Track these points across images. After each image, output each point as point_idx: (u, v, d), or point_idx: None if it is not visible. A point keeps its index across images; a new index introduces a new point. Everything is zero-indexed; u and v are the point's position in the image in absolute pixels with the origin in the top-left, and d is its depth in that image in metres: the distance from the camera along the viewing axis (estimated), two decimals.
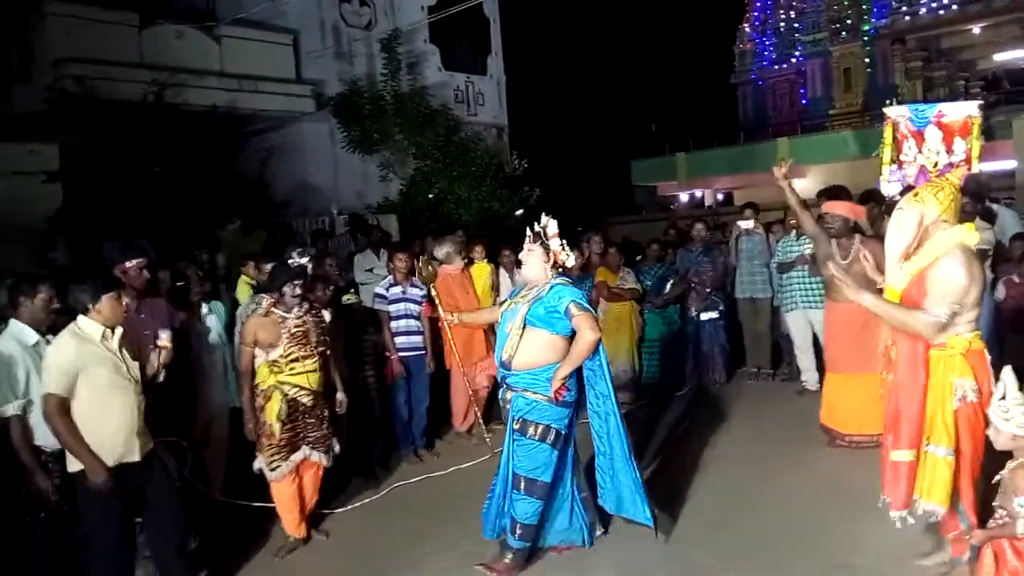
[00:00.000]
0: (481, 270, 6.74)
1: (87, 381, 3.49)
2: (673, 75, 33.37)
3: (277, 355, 4.40)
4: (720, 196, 28.40)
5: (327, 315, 4.76)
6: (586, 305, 3.94)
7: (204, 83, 12.00)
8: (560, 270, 4.05)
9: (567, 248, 4.06)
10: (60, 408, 3.44)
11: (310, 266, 4.95)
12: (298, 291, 4.45)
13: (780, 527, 4.36)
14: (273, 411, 4.39)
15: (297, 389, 4.44)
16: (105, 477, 3.47)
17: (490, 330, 6.55)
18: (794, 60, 29.98)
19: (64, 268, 7.08)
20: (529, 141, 17.64)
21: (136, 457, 3.62)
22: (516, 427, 3.94)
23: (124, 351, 3.67)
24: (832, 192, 5.52)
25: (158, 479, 3.76)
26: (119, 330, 3.67)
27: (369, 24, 14.94)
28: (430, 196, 12.30)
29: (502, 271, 6.91)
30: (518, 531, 3.94)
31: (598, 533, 4.26)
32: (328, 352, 4.67)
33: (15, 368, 3.64)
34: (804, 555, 3.99)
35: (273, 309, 4.45)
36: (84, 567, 3.70)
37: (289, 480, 4.48)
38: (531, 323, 3.90)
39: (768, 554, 4.04)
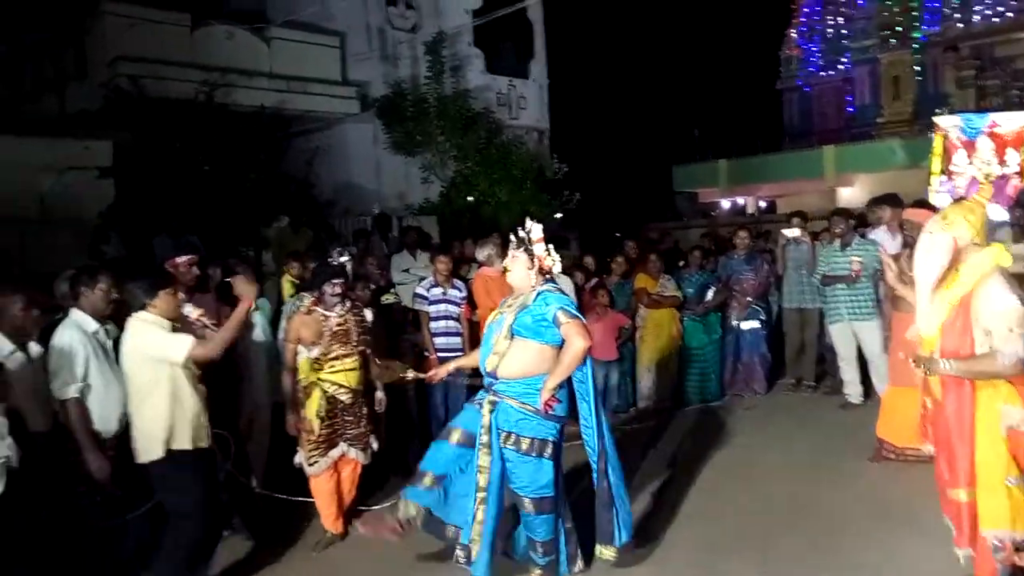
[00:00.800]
0: None
1: (157, 369, 3.66)
2: (717, 80, 33.06)
3: (318, 352, 4.47)
4: (763, 204, 28.01)
5: (368, 314, 4.82)
6: (574, 312, 3.75)
7: (253, 84, 12.25)
8: (547, 276, 3.90)
9: (553, 253, 3.92)
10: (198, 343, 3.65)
11: (350, 265, 4.99)
12: (338, 290, 4.51)
13: (817, 541, 4.28)
14: (313, 407, 4.47)
15: (336, 387, 4.51)
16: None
17: None
18: (841, 67, 29.43)
19: (116, 261, 7.26)
20: (570, 145, 17.62)
21: (205, 444, 3.79)
22: (508, 442, 3.73)
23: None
24: (887, 199, 5.38)
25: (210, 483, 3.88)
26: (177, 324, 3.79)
27: (414, 27, 15.09)
28: (470, 199, 12.37)
29: None
30: (540, 549, 3.86)
31: (578, 567, 3.99)
32: (368, 351, 4.72)
33: (76, 355, 3.76)
34: (841, 571, 3.92)
35: (315, 307, 4.52)
36: (136, 550, 3.82)
37: (327, 476, 4.55)
38: (518, 333, 3.73)
39: (804, 569, 3.98)
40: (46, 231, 8.65)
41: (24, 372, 3.66)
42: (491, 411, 3.75)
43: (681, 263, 7.99)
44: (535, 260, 3.83)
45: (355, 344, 4.57)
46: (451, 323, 6.10)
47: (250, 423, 4.91)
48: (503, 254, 6.50)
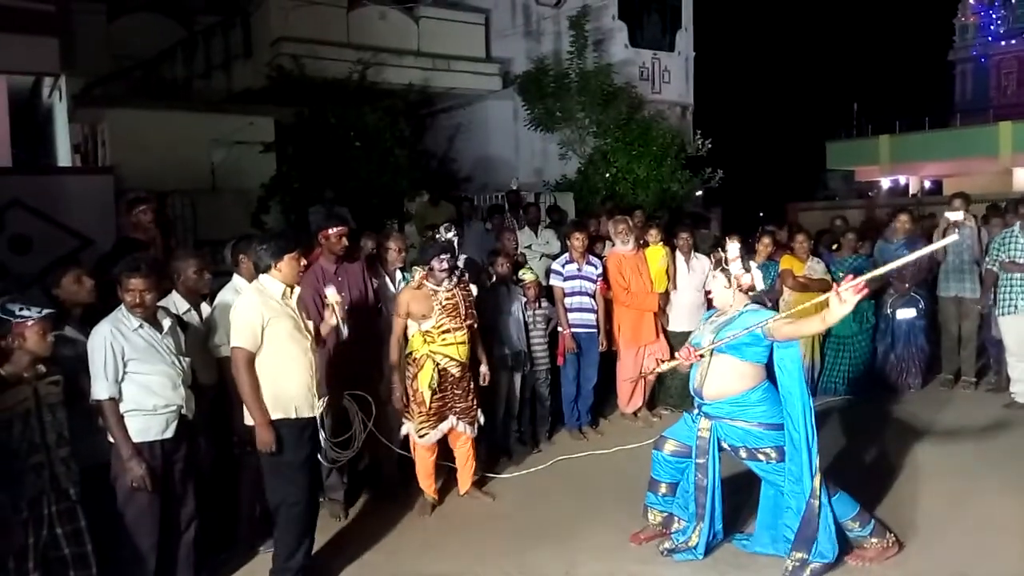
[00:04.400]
0: (655, 253, 6.61)
1: (271, 335, 3.68)
2: (879, 50, 30.74)
3: (430, 326, 4.60)
4: (928, 184, 25.95)
5: (475, 289, 4.93)
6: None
7: (402, 62, 12.65)
8: (751, 294, 3.93)
9: (753, 269, 3.92)
10: (246, 362, 3.65)
11: (457, 241, 5.07)
12: (445, 265, 4.60)
13: (968, 545, 4.01)
14: (425, 379, 4.58)
15: (447, 360, 4.62)
16: (271, 439, 3.64)
17: (661, 313, 6.47)
18: None
19: (275, 230, 7.77)
20: (715, 120, 17.03)
21: (315, 413, 3.83)
22: (745, 455, 3.85)
23: (300, 311, 3.88)
24: None
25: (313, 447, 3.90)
26: (297, 290, 3.88)
27: (559, 2, 15.02)
28: (607, 175, 12.21)
29: (678, 255, 6.76)
30: (856, 524, 3.83)
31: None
32: (476, 325, 4.81)
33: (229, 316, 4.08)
34: None
35: (425, 282, 4.64)
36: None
37: (432, 447, 4.71)
38: (719, 349, 3.80)
39: (948, 570, 3.76)
40: (215, 200, 9.41)
41: (196, 329, 4.03)
42: (708, 431, 3.87)
43: (834, 246, 7.56)
44: (732, 279, 3.88)
45: (463, 318, 4.67)
46: (585, 299, 6.10)
47: (390, 386, 5.15)
48: (638, 233, 6.51)
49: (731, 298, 3.90)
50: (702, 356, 3.85)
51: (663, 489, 4.11)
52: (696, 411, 3.98)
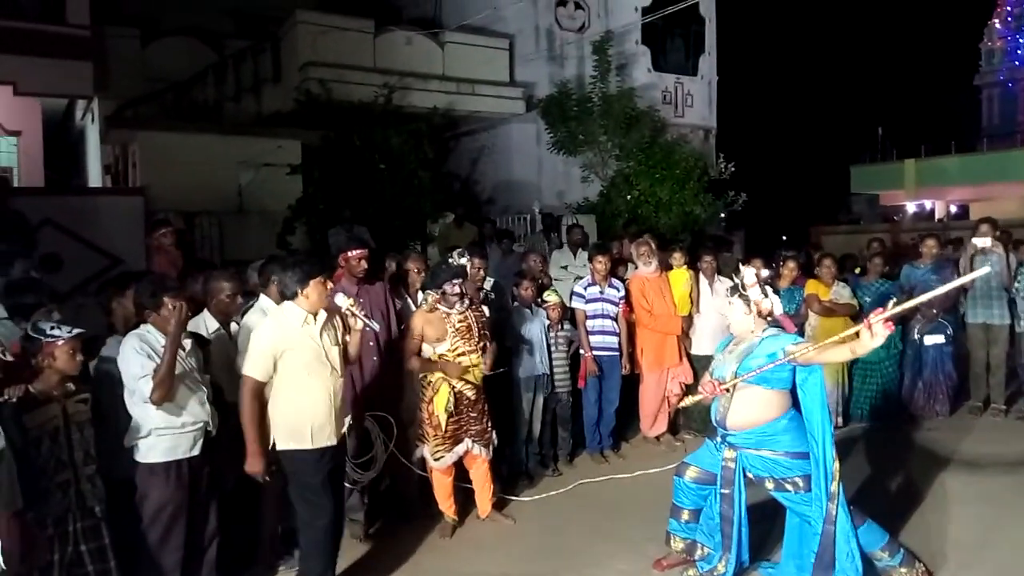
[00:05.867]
0: (679, 276, 6.60)
1: (288, 365, 3.65)
2: (904, 75, 30.59)
3: (445, 349, 4.60)
4: (954, 208, 25.64)
5: (486, 310, 4.94)
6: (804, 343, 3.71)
7: (427, 86, 12.82)
8: (769, 319, 3.86)
9: (771, 294, 3.86)
10: (254, 391, 3.62)
11: (470, 266, 5.09)
12: (457, 289, 4.60)
13: None
14: (441, 403, 4.57)
15: (463, 383, 4.62)
16: (262, 470, 3.61)
17: (684, 336, 6.44)
18: None
19: (300, 252, 7.87)
20: (738, 143, 16.99)
21: (333, 441, 3.79)
22: (771, 487, 3.77)
23: (325, 337, 3.78)
24: None
25: (337, 470, 3.89)
26: (323, 315, 3.77)
27: (582, 27, 15.16)
28: (629, 198, 12.22)
29: (701, 278, 6.73)
30: (886, 553, 3.77)
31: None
32: (488, 344, 4.81)
33: None
34: None
35: (437, 306, 4.65)
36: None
37: (448, 469, 4.69)
38: (747, 381, 3.71)
39: None
40: (242, 221, 9.55)
41: (224, 349, 4.07)
42: (733, 461, 3.80)
43: (856, 270, 7.48)
44: (751, 305, 3.82)
45: (477, 340, 4.67)
46: (607, 322, 6.09)
47: (413, 408, 5.16)
48: (658, 255, 6.49)
49: (751, 324, 3.84)
50: (727, 390, 3.78)
51: (685, 516, 4.05)
52: (720, 440, 3.92)
